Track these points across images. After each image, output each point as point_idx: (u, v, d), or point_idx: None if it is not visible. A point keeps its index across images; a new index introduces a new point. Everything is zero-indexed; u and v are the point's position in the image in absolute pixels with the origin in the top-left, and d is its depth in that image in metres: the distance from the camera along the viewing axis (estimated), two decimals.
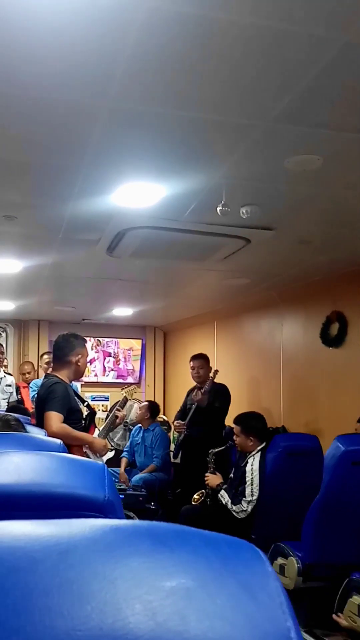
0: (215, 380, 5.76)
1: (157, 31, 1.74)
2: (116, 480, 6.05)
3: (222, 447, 4.96)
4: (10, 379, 6.71)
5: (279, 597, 0.50)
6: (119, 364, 9.14)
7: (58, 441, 1.87)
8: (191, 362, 5.98)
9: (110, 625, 0.43)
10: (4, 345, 8.17)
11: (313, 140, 2.48)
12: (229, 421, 5.99)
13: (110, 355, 9.10)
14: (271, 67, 1.93)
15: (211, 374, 5.70)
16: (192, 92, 2.08)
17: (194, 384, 5.96)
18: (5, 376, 6.62)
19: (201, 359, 5.94)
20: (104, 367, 9.07)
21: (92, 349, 8.70)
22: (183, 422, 5.77)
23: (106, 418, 4.66)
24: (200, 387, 5.82)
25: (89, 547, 0.50)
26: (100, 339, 8.95)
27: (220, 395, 5.67)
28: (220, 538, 0.55)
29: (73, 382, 4.01)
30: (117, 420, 4.38)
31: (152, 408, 6.94)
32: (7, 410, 3.27)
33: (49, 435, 2.82)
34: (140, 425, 6.91)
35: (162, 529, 0.54)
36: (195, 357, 5.99)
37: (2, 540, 0.50)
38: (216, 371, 5.76)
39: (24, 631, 0.42)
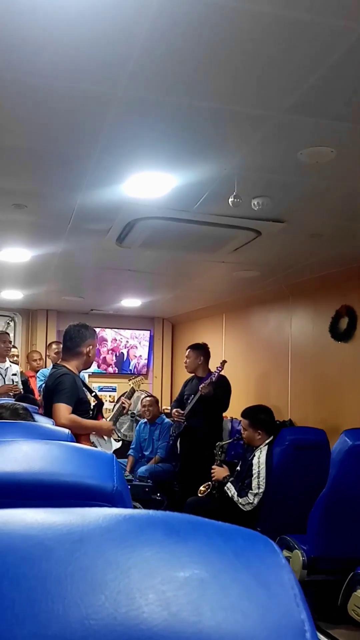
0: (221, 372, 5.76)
1: (171, 19, 1.72)
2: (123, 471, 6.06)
3: (230, 440, 4.96)
4: (15, 368, 6.72)
5: (292, 589, 0.49)
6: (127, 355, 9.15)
7: (66, 431, 1.87)
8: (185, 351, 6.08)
9: (124, 615, 0.43)
10: (12, 334, 8.19)
11: (327, 132, 2.46)
12: (233, 413, 6.00)
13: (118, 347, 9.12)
14: (286, 57, 1.91)
15: (219, 365, 5.68)
16: (206, 81, 2.07)
17: (200, 375, 5.97)
18: (11, 365, 6.63)
19: (189, 349, 6.03)
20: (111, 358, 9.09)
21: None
22: (182, 412, 5.78)
23: (113, 409, 4.67)
24: (195, 376, 5.86)
25: (103, 536, 0.49)
26: (108, 329, 8.97)
27: (221, 387, 5.67)
28: (233, 529, 0.54)
29: (81, 372, 4.02)
30: (124, 411, 4.40)
31: (157, 402, 6.98)
32: (15, 400, 3.28)
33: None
34: (145, 420, 6.92)
35: (176, 519, 0.54)
36: (188, 347, 6.05)
37: (16, 528, 0.50)
38: (224, 361, 5.74)
39: (37, 619, 0.42)
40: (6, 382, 6.37)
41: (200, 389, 5.59)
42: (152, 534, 0.50)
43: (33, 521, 0.51)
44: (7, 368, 6.50)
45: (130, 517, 0.53)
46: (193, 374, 6.03)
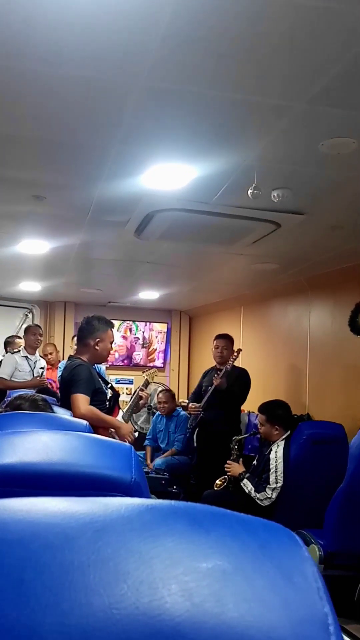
0: (236, 362, 5.69)
1: (193, 8, 1.71)
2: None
3: (247, 435, 4.95)
4: (43, 363, 6.79)
5: (316, 582, 0.49)
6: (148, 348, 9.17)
7: (84, 422, 1.88)
8: (215, 342, 5.92)
9: (146, 605, 0.43)
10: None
11: (349, 123, 2.43)
12: (250, 407, 5.98)
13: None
14: (309, 47, 1.88)
15: (233, 355, 5.64)
16: (228, 71, 2.05)
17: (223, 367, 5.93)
18: (39, 359, 6.69)
19: (226, 339, 5.89)
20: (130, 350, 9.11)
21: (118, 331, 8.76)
22: (199, 405, 5.74)
23: (130, 401, 4.67)
24: (219, 368, 5.79)
25: (125, 525, 0.49)
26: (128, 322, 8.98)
27: (240, 380, 5.63)
28: (256, 521, 0.54)
29: (97, 364, 3.99)
30: (141, 402, 4.36)
31: (173, 396, 6.97)
32: (36, 392, 3.29)
33: (77, 417, 2.83)
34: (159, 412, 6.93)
35: (198, 509, 0.53)
36: (220, 337, 5.94)
37: (38, 517, 0.50)
38: (239, 350, 5.69)
39: (60, 608, 0.42)
40: (34, 375, 6.42)
41: (213, 379, 5.56)
42: (175, 524, 0.50)
43: (55, 510, 0.51)
44: (37, 361, 6.55)
45: (153, 507, 0.52)
46: (213, 365, 5.98)
